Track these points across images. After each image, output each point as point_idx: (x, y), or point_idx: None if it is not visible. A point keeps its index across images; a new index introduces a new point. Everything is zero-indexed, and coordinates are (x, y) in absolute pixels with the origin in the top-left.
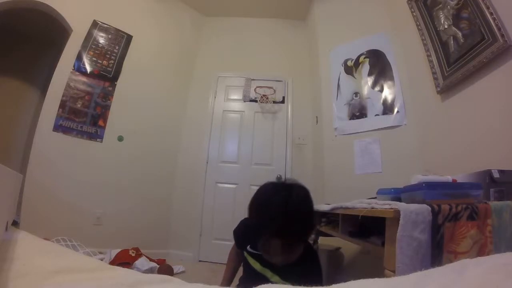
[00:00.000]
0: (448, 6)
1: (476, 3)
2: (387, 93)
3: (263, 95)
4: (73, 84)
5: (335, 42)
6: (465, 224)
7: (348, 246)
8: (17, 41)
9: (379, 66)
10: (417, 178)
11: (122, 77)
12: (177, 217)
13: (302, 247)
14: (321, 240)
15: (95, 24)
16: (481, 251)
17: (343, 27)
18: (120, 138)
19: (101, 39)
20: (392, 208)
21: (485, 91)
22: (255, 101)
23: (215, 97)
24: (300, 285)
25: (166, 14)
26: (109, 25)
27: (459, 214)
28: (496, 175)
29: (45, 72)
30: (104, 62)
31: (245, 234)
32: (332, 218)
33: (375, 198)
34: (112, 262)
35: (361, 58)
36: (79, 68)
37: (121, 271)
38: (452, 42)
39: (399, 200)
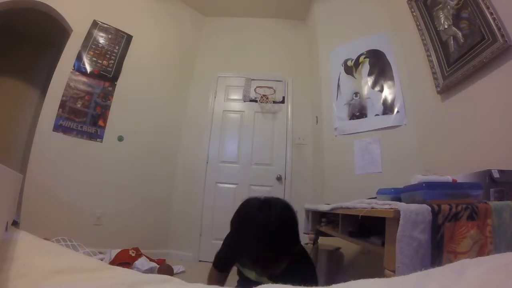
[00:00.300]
0: (448, 6)
1: (476, 3)
2: (387, 93)
3: (263, 95)
4: (73, 84)
5: (335, 42)
6: (465, 224)
7: (348, 246)
8: (17, 41)
9: (379, 66)
10: (417, 178)
11: (122, 77)
12: (177, 217)
13: (287, 261)
14: (321, 240)
15: (95, 24)
16: (481, 251)
17: (343, 27)
18: (120, 138)
19: (101, 39)
20: (392, 208)
21: (485, 91)
22: (255, 101)
23: (215, 97)
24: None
25: (166, 14)
26: (109, 25)
27: (459, 214)
28: (496, 175)
29: (45, 72)
30: (104, 62)
31: (236, 250)
32: (332, 218)
33: (375, 198)
34: (112, 262)
35: (361, 58)
36: (79, 68)
37: (121, 271)
38: (452, 42)
39: (399, 200)
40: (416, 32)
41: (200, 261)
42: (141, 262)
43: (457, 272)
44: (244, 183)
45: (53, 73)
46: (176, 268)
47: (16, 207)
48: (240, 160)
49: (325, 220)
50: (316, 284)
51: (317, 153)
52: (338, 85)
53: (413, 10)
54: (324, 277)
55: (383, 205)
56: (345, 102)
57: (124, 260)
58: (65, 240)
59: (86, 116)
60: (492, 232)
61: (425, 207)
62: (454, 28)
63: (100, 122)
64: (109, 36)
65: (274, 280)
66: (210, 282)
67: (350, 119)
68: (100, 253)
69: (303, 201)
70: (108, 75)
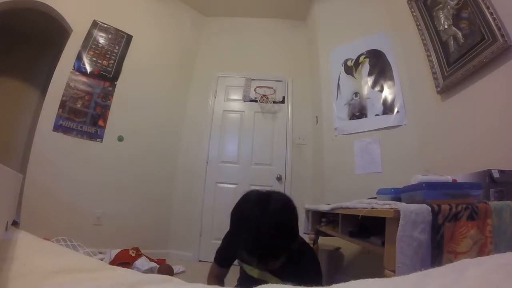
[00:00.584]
0: (448, 6)
1: (476, 3)
2: (387, 93)
3: (263, 95)
4: (73, 84)
5: (335, 42)
6: (465, 224)
7: (348, 246)
8: (17, 41)
9: (379, 66)
10: (417, 178)
11: (122, 77)
12: (177, 217)
13: (284, 255)
14: (321, 240)
15: (95, 24)
16: (481, 251)
17: (343, 27)
18: (120, 138)
19: (101, 39)
20: (392, 208)
21: (485, 91)
22: (255, 101)
23: (215, 97)
24: (301, 283)
25: (166, 14)
26: (109, 25)
27: (459, 214)
28: (496, 175)
29: (45, 72)
30: (104, 62)
31: (233, 246)
32: (332, 218)
33: (375, 198)
34: (112, 262)
35: (361, 58)
36: (79, 68)
37: (121, 271)
38: (452, 42)
39: (399, 200)
40: (416, 32)
41: (200, 261)
42: (141, 262)
43: (457, 272)
44: (244, 183)
45: (53, 73)
46: (176, 268)
47: (16, 207)
48: (240, 160)
49: (325, 220)
50: (320, 280)
51: (317, 153)
52: (338, 85)
53: (413, 10)
54: (324, 277)
55: (383, 205)
56: (345, 102)
57: (124, 260)
58: (65, 240)
59: (86, 116)
60: (492, 232)
61: (425, 207)
62: (454, 28)
63: (100, 122)
64: (109, 36)
65: (277, 275)
66: (210, 277)
67: (350, 119)
68: (100, 253)
69: (303, 201)
70: (108, 75)
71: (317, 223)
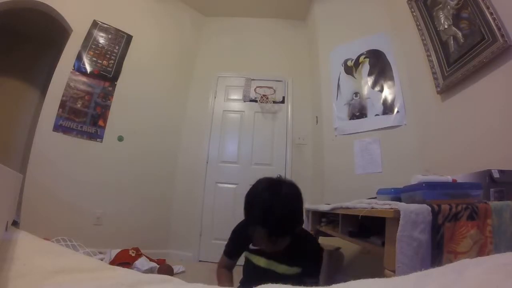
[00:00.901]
0: (448, 6)
1: (476, 3)
2: (387, 93)
3: (263, 95)
4: (73, 84)
5: (335, 42)
6: (465, 224)
7: (348, 246)
8: (17, 41)
9: (379, 66)
10: (417, 178)
11: (122, 77)
12: (177, 217)
13: (288, 239)
14: (321, 240)
15: (95, 24)
16: (481, 251)
17: (343, 27)
18: (120, 138)
19: (101, 39)
20: (392, 208)
21: (485, 91)
22: (255, 101)
23: (215, 97)
24: (305, 268)
25: (166, 14)
26: (109, 25)
27: (459, 214)
28: (496, 175)
29: (45, 72)
30: (104, 62)
31: (244, 234)
32: (332, 218)
33: (375, 198)
34: (112, 262)
35: (361, 58)
36: (79, 68)
37: (121, 271)
38: (452, 42)
39: (399, 200)
40: (416, 32)
41: (200, 261)
42: (141, 262)
43: (457, 272)
44: (244, 183)
45: (53, 73)
46: (176, 268)
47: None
48: (240, 160)
49: (325, 220)
50: (319, 266)
51: (317, 153)
52: (338, 85)
53: (413, 10)
54: (324, 277)
55: (383, 205)
56: (345, 102)
57: (124, 260)
58: (65, 240)
59: (86, 116)
60: (492, 232)
61: (425, 207)
62: (454, 28)
63: (100, 122)
64: (109, 36)
65: (284, 262)
66: (220, 268)
67: (350, 119)
68: (100, 253)
69: (303, 201)
70: (108, 75)
71: (317, 223)
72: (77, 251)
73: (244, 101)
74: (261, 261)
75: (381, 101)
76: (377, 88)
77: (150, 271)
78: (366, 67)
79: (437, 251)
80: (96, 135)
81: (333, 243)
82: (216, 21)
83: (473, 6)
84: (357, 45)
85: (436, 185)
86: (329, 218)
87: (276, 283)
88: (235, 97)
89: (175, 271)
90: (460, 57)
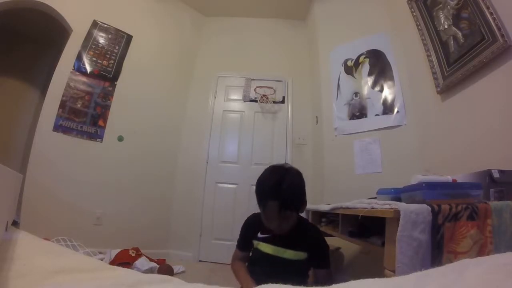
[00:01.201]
0: (448, 6)
1: (476, 3)
2: (387, 93)
3: (263, 95)
4: (73, 84)
5: (335, 42)
6: (465, 224)
7: (348, 246)
8: (17, 41)
9: (379, 66)
10: (417, 178)
11: (122, 77)
12: (177, 217)
13: (295, 217)
14: None
15: (95, 24)
16: (481, 251)
17: (343, 27)
18: (120, 138)
19: (101, 39)
20: (392, 208)
21: (485, 91)
22: (255, 101)
23: (215, 97)
24: (311, 253)
25: (166, 14)
26: (109, 25)
27: (459, 214)
28: (496, 175)
29: (45, 72)
30: (104, 62)
31: (252, 226)
32: (332, 218)
33: (375, 198)
34: (112, 262)
35: (361, 58)
36: (79, 68)
37: (121, 271)
38: (452, 42)
39: (399, 200)
40: (416, 32)
41: (200, 261)
42: (141, 262)
43: (457, 272)
44: (244, 183)
45: (53, 73)
46: (176, 268)
47: (16, 207)
48: (240, 160)
49: (325, 220)
50: (325, 251)
51: (317, 153)
52: (338, 85)
53: (413, 10)
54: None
55: (383, 205)
56: (345, 102)
57: (124, 260)
58: (65, 240)
59: (86, 116)
60: (492, 232)
61: (425, 207)
62: (454, 28)
63: (100, 122)
64: (109, 36)
65: (291, 247)
66: (234, 260)
67: (350, 119)
68: (100, 253)
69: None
70: (108, 75)
71: (317, 223)
72: (77, 251)
73: (244, 101)
74: (268, 248)
75: (381, 101)
76: (377, 88)
77: (150, 271)
78: (366, 67)
79: (437, 251)
80: (96, 135)
81: (333, 243)
82: (216, 21)
83: (473, 6)
84: (357, 45)
85: (436, 185)
86: (329, 218)
87: (283, 269)
88: (235, 97)
89: (175, 271)
90: (460, 57)
